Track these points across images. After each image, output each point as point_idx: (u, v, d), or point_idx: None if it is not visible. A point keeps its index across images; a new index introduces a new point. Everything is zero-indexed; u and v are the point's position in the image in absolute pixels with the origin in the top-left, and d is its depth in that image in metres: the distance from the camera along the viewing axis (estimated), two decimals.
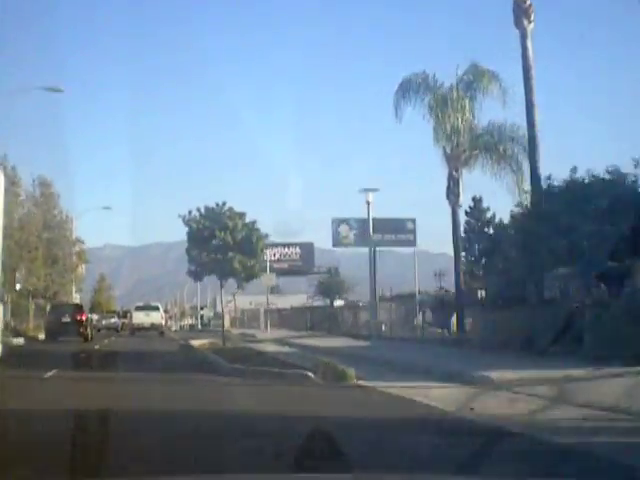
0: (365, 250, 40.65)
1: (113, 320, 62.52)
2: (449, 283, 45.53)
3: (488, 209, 68.46)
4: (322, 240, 67.32)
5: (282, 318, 60.36)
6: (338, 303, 60.83)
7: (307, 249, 78.53)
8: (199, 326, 79.22)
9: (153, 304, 50.16)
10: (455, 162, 27.42)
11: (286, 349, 25.57)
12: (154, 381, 15.54)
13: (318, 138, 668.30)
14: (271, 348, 25.10)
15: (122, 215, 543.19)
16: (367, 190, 35.64)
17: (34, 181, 43.18)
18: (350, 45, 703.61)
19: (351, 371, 14.89)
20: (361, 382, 14.57)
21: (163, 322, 47.43)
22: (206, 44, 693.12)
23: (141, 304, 49.33)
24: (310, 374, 15.08)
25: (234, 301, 66.28)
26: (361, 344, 27.92)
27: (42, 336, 36.81)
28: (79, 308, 37.25)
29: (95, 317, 66.68)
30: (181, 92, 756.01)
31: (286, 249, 79.68)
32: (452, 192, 27.43)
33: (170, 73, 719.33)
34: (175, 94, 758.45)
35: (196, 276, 28.91)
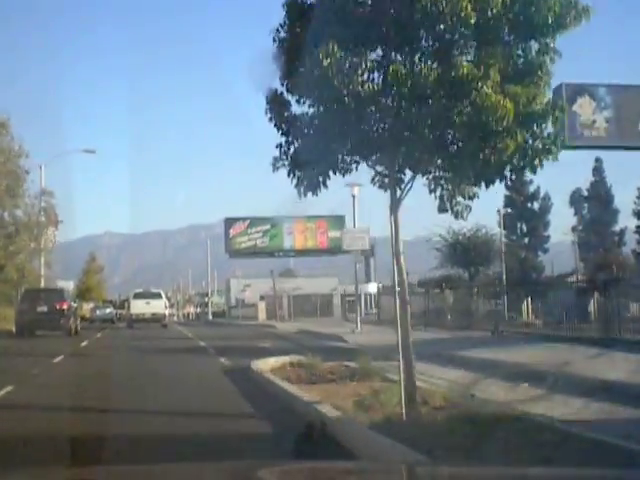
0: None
1: (108, 310, 56.91)
2: None
3: (531, 182, 60.23)
4: None
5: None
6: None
7: (336, 223, 69.03)
8: (209, 316, 69.81)
9: (154, 290, 43.85)
10: None
11: None
12: None
13: None
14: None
15: (122, 203, 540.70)
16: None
17: None
18: None
19: None
20: None
21: (166, 312, 40.98)
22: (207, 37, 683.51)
23: (140, 291, 43.06)
24: None
25: (275, 285, 56.00)
26: None
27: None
28: (59, 294, 30.20)
29: (89, 306, 59.84)
30: (183, 79, 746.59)
31: (310, 223, 70.01)
32: None
33: (172, 61, 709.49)
34: (177, 82, 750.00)
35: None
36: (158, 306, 39.17)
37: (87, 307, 57.25)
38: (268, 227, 69.88)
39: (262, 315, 52.00)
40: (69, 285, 48.00)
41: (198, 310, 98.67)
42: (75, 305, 32.68)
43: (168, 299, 57.80)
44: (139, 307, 39.06)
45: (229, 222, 70.03)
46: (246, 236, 69.25)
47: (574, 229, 61.48)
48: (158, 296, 40.81)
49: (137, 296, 40.62)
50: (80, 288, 69.89)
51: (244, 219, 70.34)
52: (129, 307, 40.76)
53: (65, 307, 28.38)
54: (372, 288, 60.85)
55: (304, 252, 71.82)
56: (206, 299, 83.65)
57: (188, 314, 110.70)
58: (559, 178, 40.93)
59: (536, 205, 62.37)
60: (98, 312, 55.13)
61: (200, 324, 53.11)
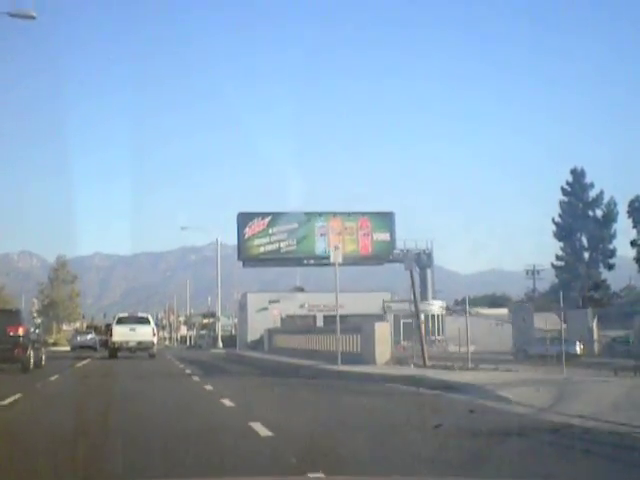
0: None
1: (90, 337, 50.85)
2: None
3: (592, 185, 50.98)
4: None
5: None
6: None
7: (383, 222, 51.75)
8: (219, 344, 52.30)
9: (141, 315, 38.57)
10: None
11: None
12: None
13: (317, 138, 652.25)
14: None
15: (112, 224, 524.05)
16: None
17: None
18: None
19: None
20: None
21: (154, 340, 34.77)
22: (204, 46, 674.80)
23: (125, 315, 37.76)
24: None
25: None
26: None
27: None
28: (13, 316, 23.20)
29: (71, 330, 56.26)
30: (177, 101, 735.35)
31: (350, 222, 52.95)
32: None
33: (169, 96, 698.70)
34: (171, 103, 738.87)
35: None
36: (145, 333, 33.77)
37: (68, 331, 53.85)
38: (295, 226, 52.37)
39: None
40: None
41: (195, 333, 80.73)
42: (37, 330, 25.87)
43: (157, 324, 50.32)
44: (123, 334, 33.51)
45: (244, 219, 52.25)
46: (266, 237, 51.59)
47: (633, 243, 48.99)
48: (145, 321, 35.16)
49: (121, 321, 35.01)
50: (42, 303, 52.74)
51: (264, 215, 52.63)
52: (111, 333, 34.49)
53: (21, 332, 22.04)
54: (435, 307, 44.54)
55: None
56: (204, 320, 66.05)
57: (184, 338, 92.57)
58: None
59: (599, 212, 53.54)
60: (78, 338, 49.59)
61: (219, 360, 35.27)
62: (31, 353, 22.03)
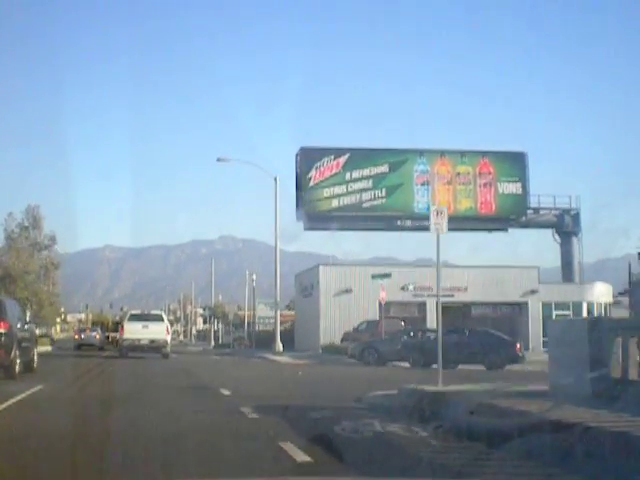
0: None
1: (94, 334, 43.37)
2: None
3: None
4: None
5: None
6: None
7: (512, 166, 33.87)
8: (278, 346, 33.75)
9: (154, 312, 35.94)
10: None
11: None
12: None
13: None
14: None
15: (123, 216, 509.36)
16: None
17: None
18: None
19: None
20: None
21: (168, 338, 30.62)
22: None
23: (137, 312, 34.76)
24: None
25: None
26: None
27: None
28: None
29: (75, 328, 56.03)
30: (189, 95, 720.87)
31: (463, 165, 34.55)
32: None
33: (173, 77, 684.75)
34: (183, 97, 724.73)
35: None
36: (158, 331, 30.44)
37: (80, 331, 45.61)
38: (384, 170, 33.90)
39: None
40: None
41: (221, 328, 62.30)
42: (26, 326, 19.62)
43: (170, 322, 45.49)
44: (135, 331, 30.40)
45: (308, 157, 33.66)
46: (342, 185, 33.15)
47: None
48: (158, 318, 32.18)
49: (133, 318, 32.09)
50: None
51: (338, 152, 34.15)
52: (122, 331, 31.20)
53: (2, 330, 17.02)
54: (601, 293, 25.44)
55: (452, 220, 35.03)
56: (240, 311, 48.14)
57: (202, 333, 74.50)
58: None
59: None
60: (82, 336, 43.31)
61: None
62: (17, 354, 17.47)
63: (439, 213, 13.77)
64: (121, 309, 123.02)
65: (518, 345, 23.90)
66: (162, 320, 31.91)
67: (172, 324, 49.70)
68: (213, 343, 57.25)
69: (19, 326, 18.32)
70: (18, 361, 17.24)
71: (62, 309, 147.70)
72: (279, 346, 31.14)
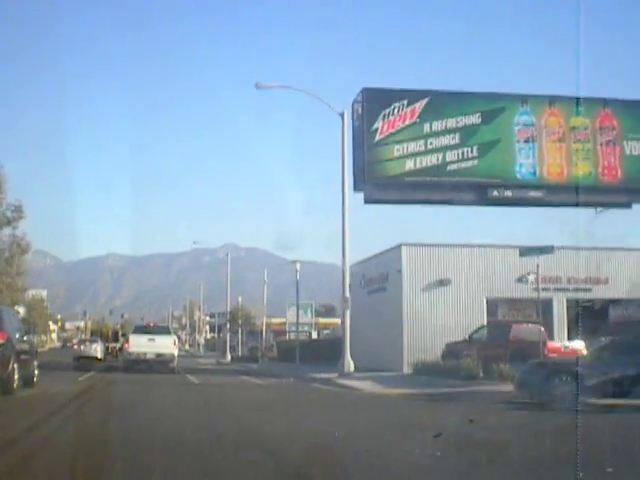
0: None
1: (95, 346, 39.16)
2: None
3: None
4: None
5: None
6: None
7: None
8: (349, 363, 23.88)
9: (161, 324, 36.42)
10: None
11: None
12: None
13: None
14: None
15: (125, 224, 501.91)
16: None
17: None
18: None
19: None
20: None
21: (175, 352, 29.11)
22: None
23: (142, 324, 35.41)
24: None
25: None
26: None
27: None
28: None
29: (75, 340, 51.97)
30: (185, 101, 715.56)
31: (581, 116, 24.18)
32: None
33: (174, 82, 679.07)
34: (181, 103, 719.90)
35: None
36: (165, 344, 28.75)
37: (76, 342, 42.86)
38: (476, 120, 24.17)
39: None
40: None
41: (241, 338, 53.15)
42: (25, 337, 18.03)
43: (175, 330, 43.99)
44: (140, 344, 28.76)
45: (373, 100, 23.94)
46: (418, 140, 23.25)
47: None
48: (165, 331, 30.72)
49: (138, 330, 30.81)
50: None
51: (414, 95, 24.58)
52: (127, 343, 29.65)
53: (0, 341, 15.49)
54: None
55: (563, 190, 25.98)
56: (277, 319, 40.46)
57: (210, 343, 65.89)
58: None
59: None
60: (82, 348, 38.80)
61: None
62: (15, 368, 15.70)
63: None
64: (121, 316, 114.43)
65: None
66: (169, 333, 30.42)
67: (177, 332, 41.17)
68: (229, 356, 47.17)
69: (17, 337, 16.73)
70: (16, 376, 15.80)
71: (59, 316, 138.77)
72: (349, 364, 21.46)
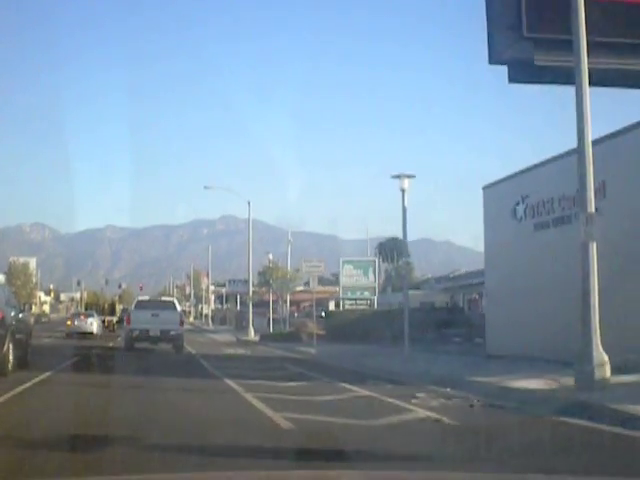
0: None
1: (91, 320, 36.79)
2: None
3: None
4: None
5: None
6: None
7: None
8: None
9: (165, 299, 32.60)
10: None
11: None
12: None
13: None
14: None
15: (124, 196, 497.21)
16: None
17: None
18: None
19: None
20: None
21: (182, 328, 26.80)
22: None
23: (146, 298, 31.38)
24: None
25: None
26: None
27: None
28: None
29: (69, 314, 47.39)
30: (184, 77, 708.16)
31: None
32: None
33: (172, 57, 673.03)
34: (179, 79, 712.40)
35: None
36: (170, 320, 26.08)
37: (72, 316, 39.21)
38: None
39: None
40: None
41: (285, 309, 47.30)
42: (21, 315, 17.13)
43: (178, 300, 39.26)
44: (143, 321, 26.03)
45: None
46: None
47: None
48: (170, 306, 27.86)
49: (141, 305, 27.75)
50: None
51: None
52: (129, 320, 26.79)
53: None
54: None
55: None
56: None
57: (216, 314, 61.59)
58: None
59: None
60: (76, 323, 36.57)
61: None
62: (10, 348, 14.73)
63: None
64: (119, 286, 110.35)
65: None
66: (174, 308, 27.97)
67: (180, 302, 36.84)
68: (253, 332, 38.58)
69: (12, 314, 15.92)
70: (11, 357, 14.86)
71: (51, 286, 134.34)
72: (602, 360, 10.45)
